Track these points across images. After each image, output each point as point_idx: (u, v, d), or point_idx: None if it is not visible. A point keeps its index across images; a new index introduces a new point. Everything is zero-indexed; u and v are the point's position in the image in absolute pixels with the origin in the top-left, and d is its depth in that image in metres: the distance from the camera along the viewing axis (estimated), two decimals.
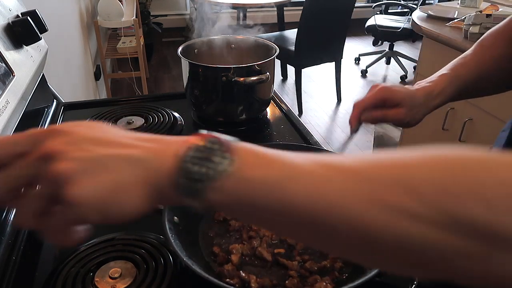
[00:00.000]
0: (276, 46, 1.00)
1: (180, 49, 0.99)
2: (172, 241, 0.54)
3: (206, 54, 1.05)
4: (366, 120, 0.68)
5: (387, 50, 4.15)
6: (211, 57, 1.05)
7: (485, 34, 0.74)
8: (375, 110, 0.67)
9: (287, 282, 0.54)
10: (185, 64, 0.97)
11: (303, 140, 0.94)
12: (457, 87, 0.68)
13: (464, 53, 0.73)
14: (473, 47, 0.73)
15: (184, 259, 0.52)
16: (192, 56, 1.02)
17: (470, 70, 0.70)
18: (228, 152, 0.30)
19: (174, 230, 0.57)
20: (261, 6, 3.64)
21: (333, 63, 3.36)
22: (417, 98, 0.67)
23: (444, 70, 0.71)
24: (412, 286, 0.56)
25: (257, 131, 0.98)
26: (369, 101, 0.67)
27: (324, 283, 0.54)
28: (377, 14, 4.00)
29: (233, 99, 0.96)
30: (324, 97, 3.62)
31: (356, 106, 0.68)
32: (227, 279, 0.54)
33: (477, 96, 0.78)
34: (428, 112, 0.68)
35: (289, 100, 3.49)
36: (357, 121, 0.68)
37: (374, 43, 4.78)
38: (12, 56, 0.77)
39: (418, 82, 0.70)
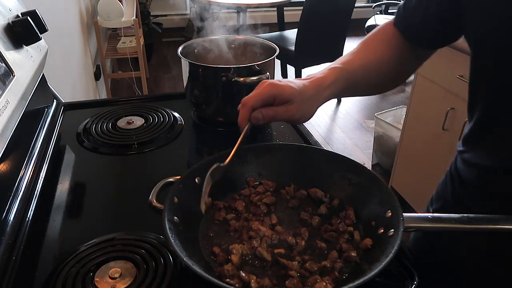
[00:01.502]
0: (276, 46, 1.00)
1: (180, 49, 0.99)
2: (172, 241, 0.54)
3: (206, 54, 1.05)
4: (256, 120, 0.63)
5: None
6: (211, 57, 1.05)
7: (368, 36, 0.76)
8: (265, 108, 0.64)
9: (287, 282, 0.54)
10: (185, 64, 0.97)
11: (303, 140, 0.94)
12: (347, 80, 0.68)
13: (351, 51, 0.75)
14: (358, 46, 0.75)
15: (184, 259, 0.52)
16: (192, 56, 1.02)
17: (357, 66, 0.71)
18: None
19: (174, 230, 0.57)
20: (261, 6, 3.64)
21: None
22: (307, 91, 0.64)
23: (334, 64, 0.71)
24: (412, 286, 0.56)
25: (257, 131, 0.98)
26: (257, 99, 0.63)
27: (324, 283, 0.53)
28: (377, 14, 3.99)
29: (233, 99, 0.96)
30: None
31: (244, 105, 0.64)
32: (227, 279, 0.54)
33: (362, 94, 0.81)
34: (320, 103, 0.66)
35: None
36: (247, 121, 0.64)
37: None
38: (12, 56, 0.77)
39: (308, 75, 0.69)
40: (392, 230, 0.56)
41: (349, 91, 0.71)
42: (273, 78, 1.00)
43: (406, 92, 3.73)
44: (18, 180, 0.75)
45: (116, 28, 3.17)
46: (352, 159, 0.70)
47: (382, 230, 0.59)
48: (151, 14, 4.15)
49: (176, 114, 1.04)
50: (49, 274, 0.58)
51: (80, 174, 0.85)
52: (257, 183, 0.73)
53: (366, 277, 0.49)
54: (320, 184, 0.72)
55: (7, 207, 0.68)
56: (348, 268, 0.58)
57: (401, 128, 2.14)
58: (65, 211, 0.74)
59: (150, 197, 0.62)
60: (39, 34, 0.86)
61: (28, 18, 0.83)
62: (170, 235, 0.54)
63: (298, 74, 3.22)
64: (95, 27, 2.74)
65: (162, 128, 0.98)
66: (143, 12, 3.88)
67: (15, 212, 0.69)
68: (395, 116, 2.59)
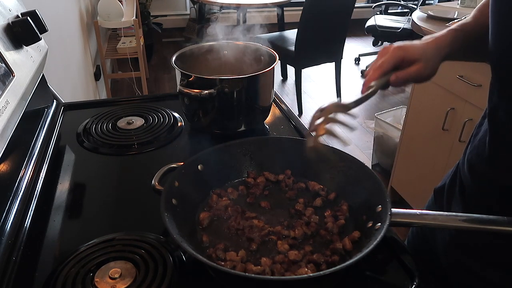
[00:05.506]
0: (276, 54, 0.96)
1: (174, 57, 0.94)
2: (167, 219, 0.55)
3: (203, 61, 1.01)
4: (395, 82, 0.66)
5: None
6: (208, 64, 1.01)
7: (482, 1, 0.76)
8: (398, 71, 0.66)
9: (274, 264, 0.56)
10: (178, 74, 0.92)
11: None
12: (463, 41, 0.70)
13: (473, 13, 0.75)
14: (472, 13, 0.75)
15: (175, 236, 0.53)
16: (188, 63, 0.97)
17: (473, 28, 0.72)
18: None
19: (171, 210, 0.59)
20: (261, 6, 3.64)
21: (333, 63, 3.37)
22: (429, 50, 0.68)
23: (453, 26, 0.73)
24: (412, 286, 0.56)
25: (252, 128, 0.98)
26: (389, 63, 0.66)
27: (306, 269, 0.55)
28: (377, 14, 4.00)
29: (228, 110, 0.92)
30: (324, 97, 3.62)
31: (376, 69, 0.66)
32: (218, 261, 0.57)
33: (477, 58, 0.81)
34: (440, 61, 0.69)
35: (289, 100, 3.49)
36: (373, 81, 0.65)
37: (374, 44, 4.78)
38: (12, 56, 0.77)
39: (426, 36, 0.71)
40: (379, 224, 0.58)
41: (465, 52, 0.73)
42: (273, 82, 0.98)
43: (406, 92, 3.73)
44: (18, 180, 0.75)
45: (116, 29, 3.17)
46: (352, 155, 0.72)
47: (371, 224, 0.61)
48: (151, 14, 4.15)
49: (176, 114, 1.04)
50: (49, 274, 0.58)
51: (80, 174, 0.85)
52: (257, 174, 0.75)
53: (344, 264, 0.51)
54: (318, 178, 0.74)
55: (7, 207, 0.68)
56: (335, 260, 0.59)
57: (401, 128, 2.14)
58: (65, 211, 0.74)
59: (153, 181, 0.65)
60: (39, 34, 0.86)
61: (28, 18, 0.83)
62: (165, 214, 0.56)
63: (298, 74, 3.22)
64: (95, 27, 2.74)
65: (162, 128, 0.98)
66: (143, 12, 3.88)
67: (15, 212, 0.69)
68: (395, 116, 2.59)
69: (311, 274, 0.53)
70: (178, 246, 0.53)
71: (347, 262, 0.52)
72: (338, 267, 0.51)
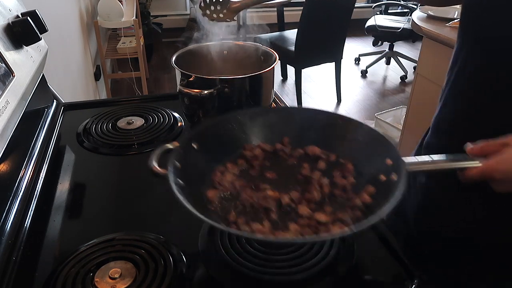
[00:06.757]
0: (276, 54, 0.96)
1: (174, 57, 0.94)
2: (183, 199, 0.52)
3: (202, 61, 1.01)
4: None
5: (387, 50, 4.15)
6: (207, 64, 1.01)
7: None
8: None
9: (303, 228, 0.55)
10: (178, 74, 0.92)
11: None
12: None
13: None
14: None
15: (173, 183, 0.52)
16: (188, 64, 0.96)
17: None
18: None
19: (183, 193, 0.55)
20: (261, 6, 3.63)
21: (333, 63, 3.37)
22: None
23: None
24: (412, 286, 0.56)
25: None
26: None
27: (337, 227, 0.55)
28: (377, 14, 4.00)
29: (228, 110, 0.90)
30: (324, 97, 3.62)
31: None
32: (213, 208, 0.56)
33: None
34: None
35: (289, 100, 3.49)
36: None
37: (374, 44, 4.78)
38: (12, 56, 0.77)
39: None
40: (394, 173, 0.57)
41: None
42: (273, 82, 0.98)
43: (406, 92, 3.73)
44: (18, 180, 0.75)
45: (116, 29, 3.17)
46: (346, 115, 0.71)
47: (384, 178, 0.59)
48: (151, 14, 4.15)
49: (176, 114, 1.04)
50: (49, 274, 0.58)
51: (80, 174, 0.85)
52: (253, 147, 0.73)
53: (376, 214, 0.50)
54: (316, 142, 0.72)
55: (7, 207, 0.68)
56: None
57: (401, 128, 2.14)
58: (65, 211, 0.74)
59: (150, 162, 0.60)
60: (39, 34, 0.86)
61: (28, 18, 0.83)
62: (180, 196, 0.53)
63: (298, 74, 3.22)
64: (95, 27, 2.74)
65: (162, 128, 0.98)
66: (143, 12, 3.88)
67: (15, 212, 0.69)
68: (395, 116, 2.59)
69: (353, 229, 0.52)
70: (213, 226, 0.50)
71: (380, 211, 0.51)
72: (374, 217, 0.50)
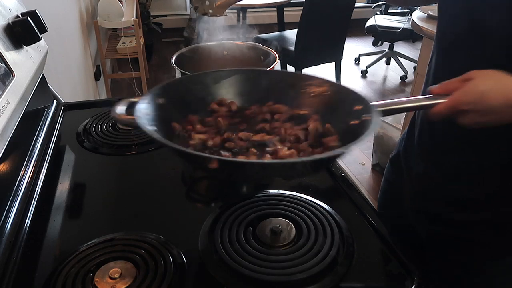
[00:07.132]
0: (276, 54, 0.97)
1: (174, 57, 0.94)
2: (151, 130, 0.52)
3: (204, 61, 1.02)
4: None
5: (387, 50, 4.15)
6: (208, 64, 1.01)
7: None
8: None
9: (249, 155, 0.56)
10: (178, 74, 0.93)
11: None
12: None
13: None
14: None
15: (144, 125, 0.51)
16: (188, 63, 0.97)
17: None
18: None
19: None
20: (261, 6, 3.64)
21: (333, 63, 3.36)
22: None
23: None
24: (412, 286, 0.56)
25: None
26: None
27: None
28: (377, 14, 4.00)
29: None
30: None
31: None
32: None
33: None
34: None
35: None
36: None
37: (374, 44, 4.78)
38: (12, 56, 0.77)
39: None
40: (367, 114, 0.57)
41: None
42: None
43: (406, 93, 3.73)
44: (18, 180, 0.75)
45: (116, 29, 3.16)
46: (308, 74, 0.72)
47: (357, 121, 0.59)
48: (151, 14, 4.15)
49: None
50: (49, 274, 0.58)
51: (80, 174, 0.85)
52: (219, 105, 0.71)
53: (359, 138, 0.51)
54: (282, 101, 0.71)
55: (7, 207, 0.69)
56: None
57: (401, 128, 2.14)
58: (65, 211, 0.74)
59: (113, 111, 0.57)
60: (39, 34, 0.86)
61: (28, 18, 0.83)
62: (150, 129, 0.52)
63: None
64: (95, 28, 2.74)
65: None
66: (143, 12, 3.87)
67: (15, 212, 0.69)
68: (395, 116, 2.59)
69: (344, 149, 0.52)
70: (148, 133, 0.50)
71: (362, 135, 0.52)
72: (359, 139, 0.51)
